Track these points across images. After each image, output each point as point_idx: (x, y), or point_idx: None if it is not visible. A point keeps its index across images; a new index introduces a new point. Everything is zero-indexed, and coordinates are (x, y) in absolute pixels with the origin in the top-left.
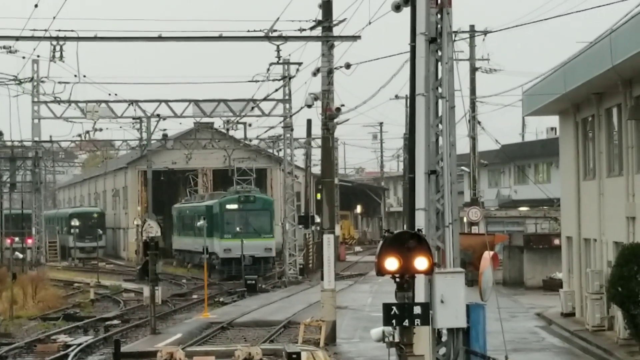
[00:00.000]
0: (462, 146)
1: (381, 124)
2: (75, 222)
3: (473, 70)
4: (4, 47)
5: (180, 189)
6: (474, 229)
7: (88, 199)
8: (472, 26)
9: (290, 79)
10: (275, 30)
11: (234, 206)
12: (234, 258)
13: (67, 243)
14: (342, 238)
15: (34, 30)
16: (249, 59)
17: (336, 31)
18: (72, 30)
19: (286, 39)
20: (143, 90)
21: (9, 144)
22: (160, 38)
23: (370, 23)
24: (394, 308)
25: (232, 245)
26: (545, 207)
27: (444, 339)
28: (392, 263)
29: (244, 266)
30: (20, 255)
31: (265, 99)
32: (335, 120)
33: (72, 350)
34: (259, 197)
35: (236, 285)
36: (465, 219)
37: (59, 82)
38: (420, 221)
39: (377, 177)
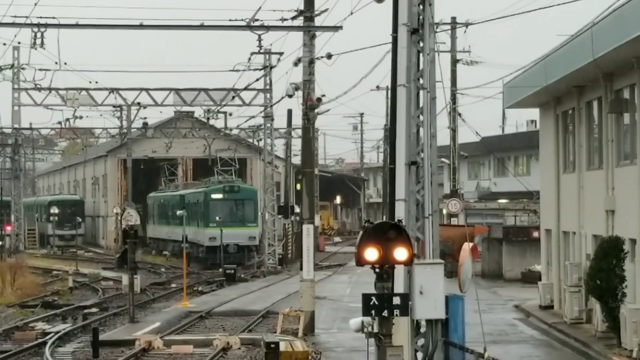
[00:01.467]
0: (442, 138)
1: (362, 114)
2: (54, 210)
3: (454, 62)
4: None
5: (160, 178)
6: (454, 221)
7: (67, 187)
8: (453, 18)
9: (271, 68)
10: (256, 20)
11: (219, 196)
12: (219, 246)
13: (46, 230)
14: (322, 228)
15: (15, 16)
16: (231, 48)
17: (318, 21)
18: (53, 17)
19: (268, 28)
20: (124, 79)
21: None
22: (141, 26)
23: (352, 13)
24: (374, 298)
25: (217, 234)
26: (524, 200)
27: (422, 330)
28: (372, 253)
29: (228, 254)
30: None
31: (246, 89)
32: (316, 111)
33: (50, 338)
34: (243, 187)
35: (215, 275)
36: (444, 211)
37: (40, 69)
38: (400, 212)
39: (357, 168)
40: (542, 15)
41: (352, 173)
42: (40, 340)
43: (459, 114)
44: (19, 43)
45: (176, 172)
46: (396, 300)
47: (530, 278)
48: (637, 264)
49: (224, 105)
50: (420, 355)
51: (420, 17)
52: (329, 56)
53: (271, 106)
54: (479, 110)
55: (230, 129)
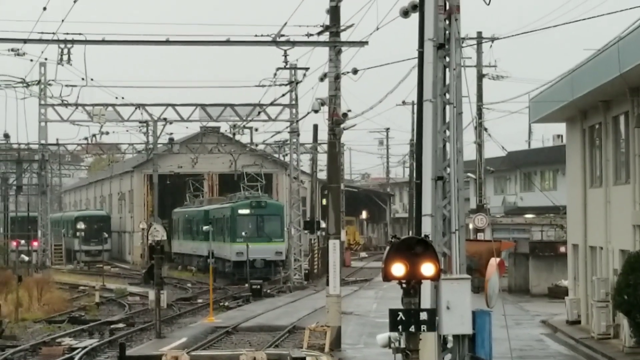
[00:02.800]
0: (469, 153)
1: (387, 129)
2: (80, 225)
3: (480, 76)
4: (12, 50)
5: (186, 194)
6: (480, 236)
7: (94, 202)
8: (479, 33)
9: (297, 84)
10: (282, 35)
11: (246, 211)
12: (246, 261)
13: (73, 246)
14: (348, 244)
15: (42, 33)
16: (256, 63)
17: (344, 36)
18: (79, 34)
19: (293, 44)
20: (150, 94)
21: (15, 146)
22: (167, 42)
23: (378, 29)
24: (401, 314)
25: (244, 249)
26: (551, 215)
27: (449, 345)
28: (398, 269)
29: (255, 269)
30: (26, 258)
31: (271, 104)
32: (342, 126)
33: (77, 353)
34: (270, 202)
35: (241, 290)
36: (471, 226)
37: (66, 85)
38: (426, 227)
39: (382, 183)
40: (568, 29)
41: (378, 188)
42: (67, 356)
43: (485, 129)
44: (46, 59)
45: (201, 188)
46: (423, 316)
47: (557, 293)
48: None
49: (250, 121)
50: None
51: (447, 32)
52: (355, 71)
53: (297, 121)
54: (505, 125)
55: (256, 144)
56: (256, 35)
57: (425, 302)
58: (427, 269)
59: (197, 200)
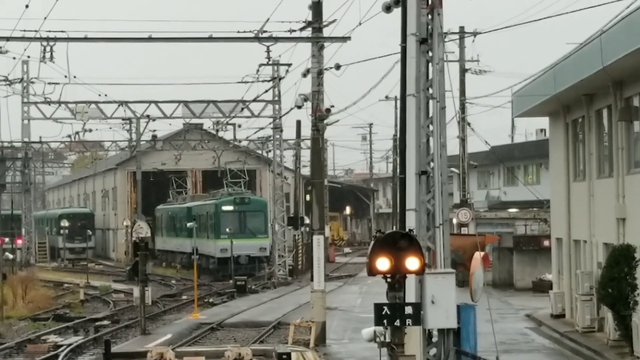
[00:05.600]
0: (452, 147)
1: (370, 125)
2: (64, 223)
3: (463, 71)
4: None
5: (170, 190)
6: (464, 230)
7: (77, 200)
8: (461, 27)
9: (280, 80)
10: (265, 31)
11: (230, 207)
12: (230, 257)
13: (57, 244)
14: (332, 239)
15: (25, 30)
16: (239, 59)
17: (326, 32)
18: (62, 31)
19: (276, 39)
20: (133, 91)
21: None
22: (150, 39)
23: (360, 24)
24: (386, 308)
25: (228, 246)
26: (534, 209)
27: (434, 339)
28: (383, 263)
29: (240, 265)
30: (10, 256)
31: (254, 100)
32: (325, 121)
33: (62, 351)
34: (253, 198)
35: (226, 286)
36: (455, 221)
37: (49, 83)
38: (411, 222)
39: (366, 179)
40: (550, 23)
41: (362, 183)
42: (52, 353)
43: (468, 124)
44: (29, 57)
45: (184, 185)
46: (408, 310)
47: (541, 287)
48: None
49: (233, 117)
50: None
51: (429, 26)
52: (338, 67)
53: (280, 117)
54: (488, 120)
55: (240, 141)
56: (239, 32)
57: (410, 296)
58: (412, 263)
59: (180, 197)
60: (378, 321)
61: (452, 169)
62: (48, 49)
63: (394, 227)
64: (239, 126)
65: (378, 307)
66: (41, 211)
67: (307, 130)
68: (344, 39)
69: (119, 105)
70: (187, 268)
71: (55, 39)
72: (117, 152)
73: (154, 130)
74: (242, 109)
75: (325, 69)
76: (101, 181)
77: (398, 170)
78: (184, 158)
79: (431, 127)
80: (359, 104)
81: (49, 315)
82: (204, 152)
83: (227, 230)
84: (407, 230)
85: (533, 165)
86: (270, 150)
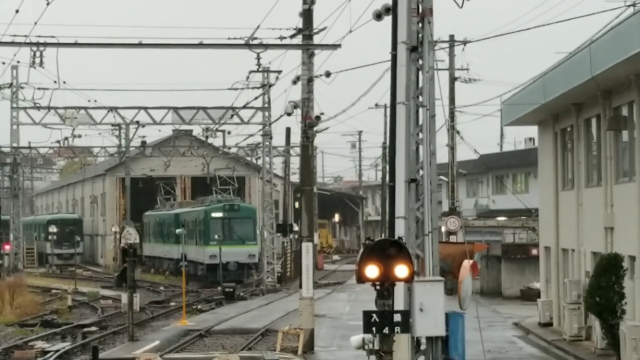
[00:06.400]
0: (441, 155)
1: (360, 132)
2: (52, 229)
3: (452, 79)
4: None
5: (157, 197)
6: (452, 239)
7: (66, 206)
8: (451, 36)
9: (269, 87)
10: (255, 38)
11: (219, 214)
12: (219, 264)
13: (45, 249)
14: (320, 247)
15: (14, 35)
16: (229, 66)
17: (317, 39)
18: (52, 36)
19: (266, 46)
20: (122, 97)
21: None
22: (140, 45)
23: (351, 31)
24: (374, 315)
25: (217, 252)
26: (523, 217)
27: (423, 347)
28: (372, 270)
29: (228, 271)
30: None
31: (244, 107)
32: (314, 129)
33: (50, 357)
34: (243, 205)
35: (214, 293)
36: (443, 229)
37: (39, 88)
38: (400, 229)
39: (355, 186)
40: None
41: (351, 191)
42: (40, 359)
43: (458, 132)
44: (18, 62)
45: (172, 191)
46: (397, 317)
47: (529, 295)
48: (636, 280)
49: (223, 124)
50: None
51: (420, 35)
52: (328, 74)
53: (270, 124)
54: (477, 128)
55: (229, 148)
56: (229, 39)
57: (399, 304)
58: (401, 270)
59: (167, 204)
60: (367, 328)
61: (441, 177)
62: (38, 54)
63: (383, 235)
64: (229, 133)
65: (367, 315)
66: (29, 217)
67: (296, 138)
68: (335, 46)
69: (108, 111)
70: (174, 274)
71: (45, 44)
72: (106, 158)
73: (143, 137)
74: (232, 115)
75: (316, 77)
76: (90, 187)
77: (387, 178)
78: (173, 164)
79: (421, 135)
80: (348, 111)
81: (36, 321)
82: (193, 158)
83: (217, 236)
84: (396, 237)
85: (522, 173)
86: (259, 157)
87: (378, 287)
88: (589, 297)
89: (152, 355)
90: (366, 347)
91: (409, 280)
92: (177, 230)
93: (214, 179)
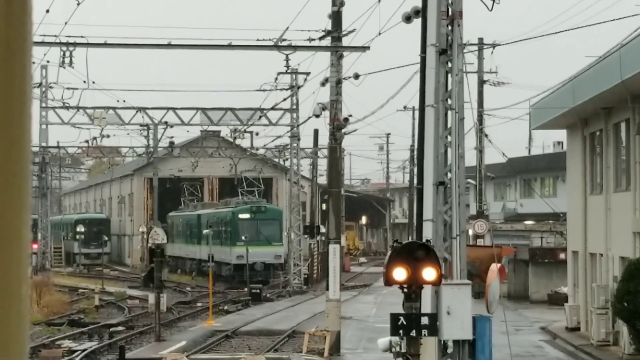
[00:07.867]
0: (469, 159)
1: (388, 135)
2: (80, 228)
3: (481, 82)
4: None
5: (182, 198)
6: (480, 242)
7: (94, 206)
8: (480, 39)
9: (298, 88)
10: (284, 40)
11: (247, 215)
12: (246, 264)
13: (72, 249)
14: (347, 249)
15: (45, 35)
16: (258, 67)
17: (345, 41)
18: (82, 37)
19: (295, 48)
20: (151, 98)
21: None
22: (169, 45)
23: (380, 34)
24: (402, 318)
25: (244, 252)
26: (550, 221)
27: (449, 350)
28: (400, 273)
29: (255, 271)
30: None
31: (272, 108)
32: (342, 131)
33: (77, 356)
34: (269, 207)
35: (240, 294)
36: (470, 232)
37: (68, 88)
38: (427, 232)
39: (382, 189)
40: (569, 36)
41: (378, 193)
42: (66, 358)
43: (486, 135)
44: (48, 62)
45: (196, 192)
46: (424, 320)
47: (557, 300)
48: None
49: (251, 125)
50: None
51: (449, 37)
52: (357, 76)
53: (298, 126)
54: (506, 132)
55: (257, 149)
56: (258, 40)
57: (426, 307)
58: (429, 273)
59: (191, 205)
60: (394, 331)
61: (469, 180)
62: (67, 54)
63: (410, 238)
64: (257, 134)
65: (394, 317)
66: (57, 216)
67: (324, 139)
68: (363, 48)
69: (136, 111)
70: (199, 275)
71: (75, 44)
72: (134, 158)
73: (172, 137)
74: (260, 117)
75: (344, 79)
76: (118, 187)
77: (415, 181)
78: (201, 165)
79: (449, 138)
80: (376, 113)
81: (63, 321)
82: (221, 159)
83: (244, 237)
84: (424, 240)
85: (550, 177)
86: (287, 159)
87: (405, 290)
88: (617, 302)
89: (178, 355)
90: (393, 349)
91: (436, 284)
92: (205, 231)
93: (241, 180)
